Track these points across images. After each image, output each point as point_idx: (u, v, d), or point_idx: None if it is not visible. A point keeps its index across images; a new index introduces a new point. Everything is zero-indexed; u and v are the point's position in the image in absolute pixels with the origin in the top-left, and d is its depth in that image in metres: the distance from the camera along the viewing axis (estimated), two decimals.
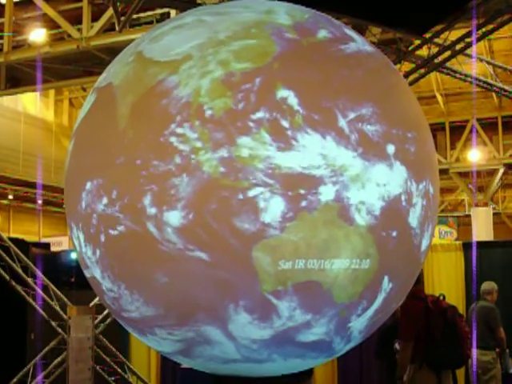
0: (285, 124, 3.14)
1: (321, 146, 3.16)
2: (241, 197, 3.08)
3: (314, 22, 3.65)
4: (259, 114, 3.14)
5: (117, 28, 10.08)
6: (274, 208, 3.09)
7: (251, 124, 3.13)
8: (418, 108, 3.97)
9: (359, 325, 3.56)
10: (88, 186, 3.47)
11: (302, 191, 3.12)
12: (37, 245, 13.96)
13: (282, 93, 3.19)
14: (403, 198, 3.42)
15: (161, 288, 3.30)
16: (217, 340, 3.39)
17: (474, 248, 11.13)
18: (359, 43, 3.72)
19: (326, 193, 3.16)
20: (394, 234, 3.40)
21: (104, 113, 3.53)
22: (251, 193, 3.08)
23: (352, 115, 3.29)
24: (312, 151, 3.14)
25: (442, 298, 7.19)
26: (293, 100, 3.19)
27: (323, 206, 3.16)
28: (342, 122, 3.25)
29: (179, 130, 3.16)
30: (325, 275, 3.24)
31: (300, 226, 3.13)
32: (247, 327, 3.31)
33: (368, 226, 3.28)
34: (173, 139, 3.16)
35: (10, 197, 28.68)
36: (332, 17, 3.94)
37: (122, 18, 9.81)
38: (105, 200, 3.38)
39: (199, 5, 10.36)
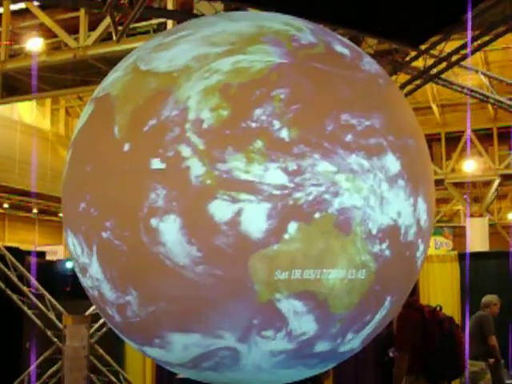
0: (282, 137, 3.16)
1: (317, 159, 3.18)
2: (237, 208, 3.09)
3: (311, 33, 3.67)
4: (256, 127, 3.15)
5: (114, 38, 10.09)
6: (270, 218, 3.10)
7: (248, 136, 3.14)
8: (414, 118, 3.99)
9: (354, 335, 3.58)
10: (85, 195, 3.48)
11: (299, 202, 3.13)
12: (32, 253, 13.93)
13: (280, 105, 3.21)
14: (400, 208, 3.44)
15: (156, 293, 3.31)
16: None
17: (468, 258, 11.14)
18: (356, 55, 3.74)
19: (323, 204, 3.17)
20: (391, 244, 3.41)
21: (102, 123, 3.54)
22: (247, 204, 3.09)
23: (350, 127, 3.31)
24: (308, 164, 3.15)
25: (438, 308, 7.18)
26: (290, 112, 3.21)
27: (320, 217, 3.17)
28: (340, 134, 3.27)
29: (176, 141, 3.17)
30: (321, 285, 3.25)
31: (297, 237, 3.14)
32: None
33: (364, 237, 3.29)
34: (170, 150, 3.17)
35: (6, 205, 28.62)
36: (328, 28, 3.97)
37: (119, 28, 9.82)
38: (102, 209, 3.39)
39: (196, 15, 10.40)
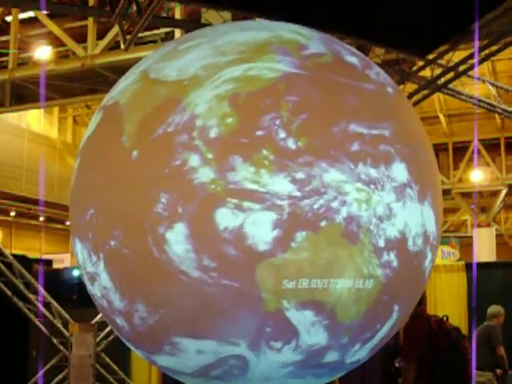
0: (290, 146, 3.16)
1: (325, 168, 3.18)
2: (245, 217, 3.10)
3: (319, 42, 3.68)
4: (265, 135, 3.16)
5: (122, 46, 10.12)
6: (277, 227, 3.10)
7: (256, 145, 3.15)
8: (422, 128, 4.00)
9: (362, 345, 3.57)
10: (93, 203, 3.49)
11: (306, 211, 3.13)
12: (39, 261, 13.94)
13: (288, 113, 3.21)
14: (408, 218, 3.44)
15: (163, 301, 3.31)
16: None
17: (475, 269, 11.11)
18: (364, 63, 3.75)
19: (330, 213, 3.17)
20: (398, 253, 3.40)
21: (110, 131, 3.55)
22: (255, 213, 3.09)
23: (358, 136, 3.31)
24: (316, 173, 3.16)
25: (445, 318, 7.15)
26: (298, 121, 3.21)
27: (327, 226, 3.17)
28: (348, 144, 3.27)
29: (185, 150, 3.18)
30: (328, 295, 3.25)
31: (304, 246, 3.14)
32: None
33: (372, 246, 3.29)
34: (178, 158, 3.18)
35: (13, 213, 28.67)
36: (336, 38, 3.97)
37: (128, 37, 9.86)
38: (110, 218, 3.40)
39: (204, 25, 10.43)
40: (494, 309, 9.76)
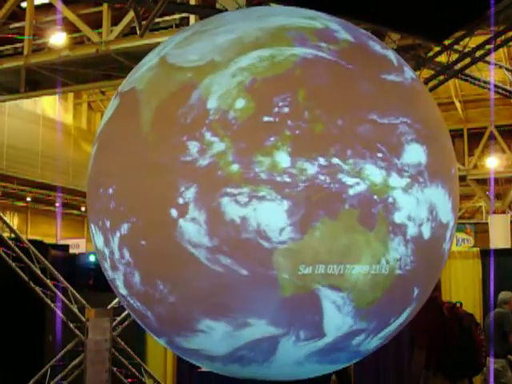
0: (307, 131, 3.16)
1: (341, 154, 3.18)
2: (262, 202, 3.10)
3: (336, 28, 3.67)
4: (280, 121, 3.16)
5: (138, 32, 10.10)
6: (295, 213, 3.11)
7: (273, 130, 3.15)
8: (440, 114, 3.99)
9: (379, 331, 3.58)
10: (111, 189, 3.51)
11: (324, 197, 3.14)
12: (55, 247, 14.02)
13: (304, 99, 3.21)
14: (424, 204, 3.44)
15: (183, 285, 3.33)
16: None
17: (492, 256, 11.07)
18: (380, 48, 3.74)
19: (347, 199, 3.18)
20: (415, 238, 3.40)
21: (127, 117, 3.56)
22: (272, 198, 3.10)
23: (375, 122, 3.31)
24: (334, 158, 3.16)
25: (458, 305, 7.13)
26: (315, 107, 3.21)
27: (344, 212, 3.18)
28: (365, 130, 3.27)
29: (202, 135, 3.18)
30: (344, 280, 3.26)
31: (321, 232, 3.15)
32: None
33: (388, 232, 3.29)
34: (195, 144, 3.18)
35: (28, 199, 28.84)
36: (352, 23, 3.96)
37: (143, 23, 9.85)
38: (127, 203, 3.42)
39: (219, 10, 10.41)
40: (505, 295, 9.69)
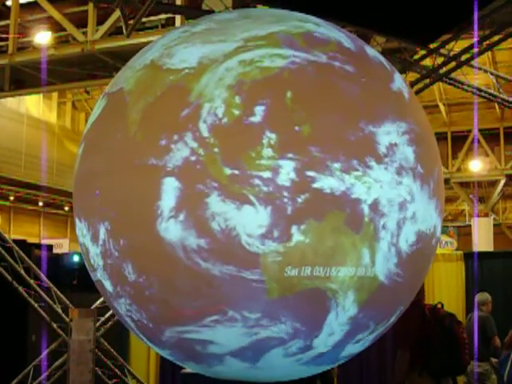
0: (293, 134, 3.17)
1: (328, 156, 3.19)
2: (248, 204, 3.11)
3: (324, 31, 3.68)
4: (268, 124, 3.16)
5: (124, 32, 10.07)
6: (281, 215, 3.11)
7: (260, 133, 3.15)
8: (426, 117, 4.01)
9: (365, 333, 3.59)
10: (97, 189, 3.50)
11: (310, 199, 3.14)
12: (39, 246, 13.94)
13: (292, 101, 3.22)
14: (410, 206, 3.45)
15: (170, 286, 3.33)
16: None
17: (476, 258, 11.14)
18: (368, 52, 3.75)
19: (334, 201, 3.18)
20: (402, 241, 3.42)
21: (114, 118, 3.56)
22: (259, 200, 3.10)
23: (361, 124, 3.32)
24: (320, 161, 3.17)
25: (439, 305, 7.16)
26: (302, 109, 3.22)
27: (331, 214, 3.18)
28: (353, 132, 3.29)
29: (189, 137, 3.18)
30: (330, 283, 3.26)
31: (307, 234, 3.16)
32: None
33: (374, 234, 3.30)
34: (182, 146, 3.18)
35: (11, 198, 28.67)
36: (337, 25, 3.97)
37: (130, 23, 9.82)
38: (113, 203, 3.42)
39: (205, 11, 10.39)
40: (482, 296, 9.67)
